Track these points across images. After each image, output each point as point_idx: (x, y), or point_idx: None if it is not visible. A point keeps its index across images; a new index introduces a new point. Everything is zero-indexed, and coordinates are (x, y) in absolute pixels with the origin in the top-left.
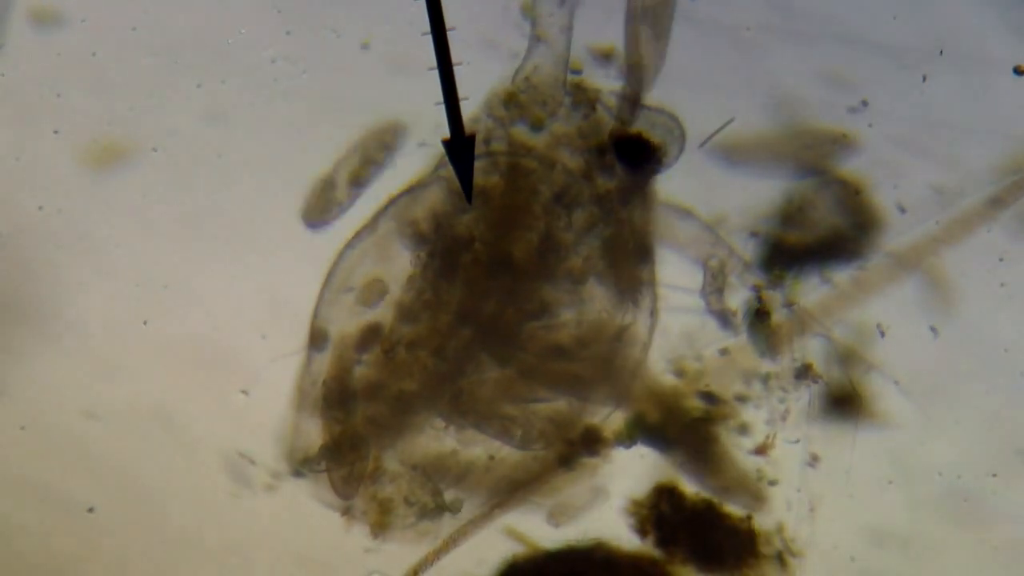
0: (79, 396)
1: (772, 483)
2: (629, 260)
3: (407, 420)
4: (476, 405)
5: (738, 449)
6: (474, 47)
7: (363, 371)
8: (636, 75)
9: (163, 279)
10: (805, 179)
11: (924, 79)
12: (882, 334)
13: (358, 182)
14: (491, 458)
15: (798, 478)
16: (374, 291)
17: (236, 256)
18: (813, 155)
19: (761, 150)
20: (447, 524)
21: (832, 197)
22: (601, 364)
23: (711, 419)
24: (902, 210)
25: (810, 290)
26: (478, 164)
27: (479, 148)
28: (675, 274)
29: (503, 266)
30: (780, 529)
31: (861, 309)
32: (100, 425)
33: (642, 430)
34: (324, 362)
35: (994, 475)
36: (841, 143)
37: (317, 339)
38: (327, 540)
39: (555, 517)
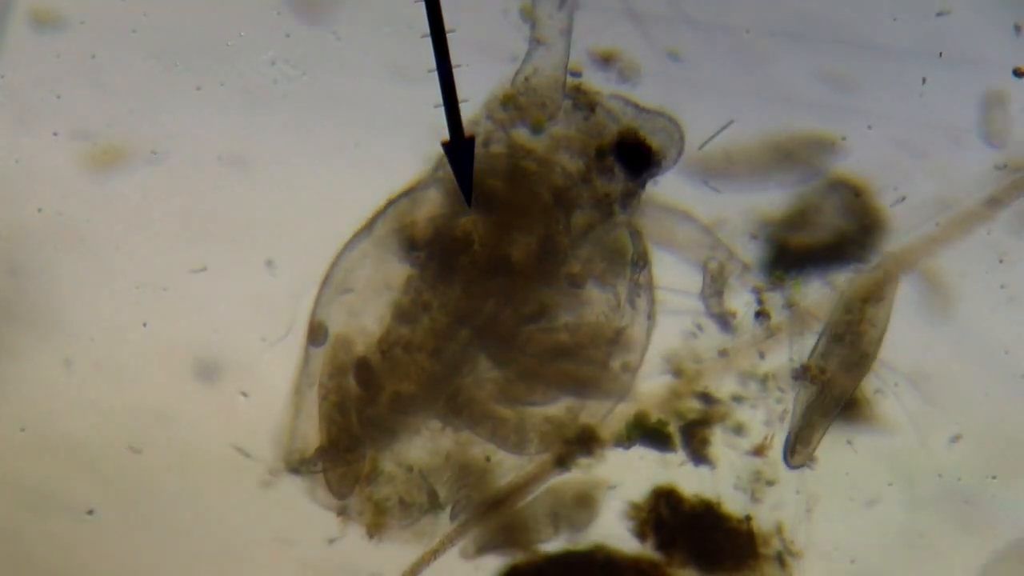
0: (79, 398)
1: (770, 484)
2: (627, 262)
3: (404, 421)
4: (473, 407)
5: (736, 449)
6: (473, 50)
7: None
8: None
9: (163, 281)
10: (804, 182)
11: (924, 81)
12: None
13: None
14: (488, 459)
15: (797, 479)
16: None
17: (236, 258)
18: (805, 160)
19: (755, 159)
20: (443, 525)
21: (832, 199)
22: (599, 366)
23: (709, 420)
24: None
25: (810, 292)
26: (478, 166)
27: (479, 150)
28: (674, 276)
29: (502, 268)
30: (779, 530)
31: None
32: (100, 427)
33: (641, 432)
34: (322, 363)
35: (994, 477)
36: (832, 148)
37: (316, 340)
38: (324, 541)
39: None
